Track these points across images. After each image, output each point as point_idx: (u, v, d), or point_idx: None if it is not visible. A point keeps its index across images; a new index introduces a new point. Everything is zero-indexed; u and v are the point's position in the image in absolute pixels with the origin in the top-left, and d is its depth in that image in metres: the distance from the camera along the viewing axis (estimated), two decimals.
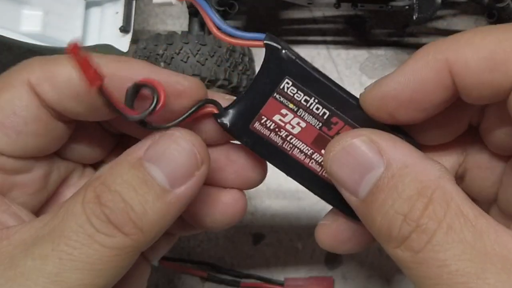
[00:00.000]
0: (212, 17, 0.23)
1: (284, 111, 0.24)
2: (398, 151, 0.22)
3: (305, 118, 0.24)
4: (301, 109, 0.24)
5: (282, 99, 0.24)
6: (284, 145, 0.24)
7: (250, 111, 0.24)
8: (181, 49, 0.42)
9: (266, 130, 0.24)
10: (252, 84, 0.24)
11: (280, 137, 0.24)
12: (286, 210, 0.47)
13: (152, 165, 0.21)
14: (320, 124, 0.24)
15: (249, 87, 0.24)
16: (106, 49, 0.44)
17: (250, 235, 0.47)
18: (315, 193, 0.26)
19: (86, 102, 0.23)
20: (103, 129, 0.27)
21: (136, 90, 0.22)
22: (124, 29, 0.45)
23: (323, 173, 0.25)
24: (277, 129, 0.24)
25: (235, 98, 0.25)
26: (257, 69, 0.48)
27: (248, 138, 0.24)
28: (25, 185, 0.24)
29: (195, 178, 0.22)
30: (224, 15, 0.46)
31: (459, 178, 0.27)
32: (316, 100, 0.24)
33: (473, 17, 0.51)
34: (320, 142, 0.24)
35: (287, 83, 0.23)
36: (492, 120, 0.24)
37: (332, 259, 0.46)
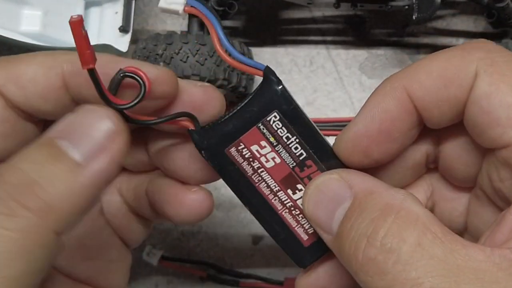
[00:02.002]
0: (220, 36, 0.23)
1: (263, 143, 0.24)
2: (365, 182, 0.22)
3: (281, 155, 0.24)
4: (280, 145, 0.24)
5: (265, 130, 0.24)
6: (253, 176, 0.24)
7: (230, 135, 0.24)
8: (180, 49, 0.42)
9: (240, 158, 0.24)
10: (238, 110, 0.24)
11: (251, 168, 0.24)
12: None
13: (64, 141, 0.19)
14: (294, 163, 0.24)
15: (235, 111, 0.24)
16: (106, 49, 0.44)
17: (249, 235, 0.47)
18: (268, 232, 0.25)
19: (54, 100, 0.22)
20: None
21: (121, 79, 0.22)
22: (123, 29, 0.45)
23: (283, 213, 0.25)
24: (251, 159, 0.24)
25: (207, 84, 0.25)
26: None
27: (218, 161, 0.24)
28: None
29: (111, 152, 0.20)
30: (224, 15, 0.46)
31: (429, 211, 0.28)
32: (297, 140, 0.24)
33: (473, 17, 0.51)
34: (289, 181, 0.24)
35: (275, 116, 0.23)
36: (449, 154, 0.25)
37: None
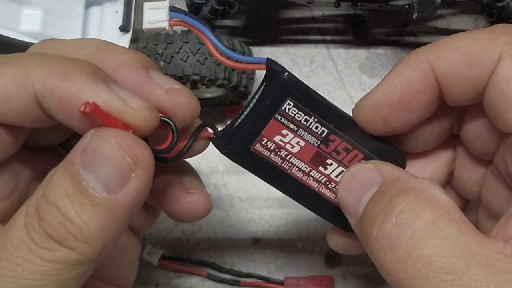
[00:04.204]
0: (213, 41, 0.23)
1: (284, 131, 0.24)
2: (395, 171, 0.23)
3: (305, 137, 0.25)
4: (301, 129, 0.24)
5: (283, 120, 0.24)
6: (283, 165, 0.25)
7: (251, 133, 0.24)
8: (180, 48, 0.42)
9: (267, 151, 0.25)
10: (253, 108, 0.24)
11: (280, 157, 0.25)
12: (286, 209, 0.47)
13: (87, 172, 0.20)
14: (319, 142, 0.25)
15: (248, 110, 0.24)
16: None
17: (249, 234, 0.47)
18: (312, 210, 0.26)
19: (29, 117, 0.21)
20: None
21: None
22: (123, 28, 0.45)
23: (320, 189, 0.26)
24: (277, 149, 0.25)
25: (176, 87, 0.24)
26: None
27: (248, 160, 0.25)
28: None
29: (133, 181, 0.20)
30: (224, 15, 0.46)
31: (449, 175, 0.28)
32: (316, 120, 0.24)
33: (473, 16, 0.51)
34: (318, 159, 0.25)
35: (289, 104, 0.24)
36: (470, 129, 0.25)
37: (332, 258, 0.46)
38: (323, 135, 0.25)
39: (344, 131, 0.25)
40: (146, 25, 0.23)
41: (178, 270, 0.46)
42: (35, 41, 0.42)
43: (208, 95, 0.48)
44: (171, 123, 0.22)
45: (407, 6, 0.43)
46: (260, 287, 0.45)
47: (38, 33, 0.44)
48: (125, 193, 0.20)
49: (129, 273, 0.29)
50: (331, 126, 0.24)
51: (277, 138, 0.24)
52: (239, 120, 0.24)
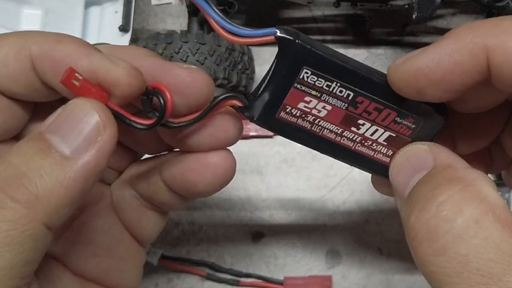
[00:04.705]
0: (215, 18, 0.22)
1: (307, 98, 0.24)
2: (449, 158, 0.22)
3: (330, 102, 0.24)
4: (324, 94, 0.24)
5: (303, 88, 0.23)
6: (313, 128, 0.25)
7: (273, 102, 0.24)
8: (180, 48, 0.42)
9: (293, 118, 0.24)
10: (270, 78, 0.23)
11: (308, 122, 0.24)
12: (286, 209, 0.47)
13: (53, 135, 0.20)
14: (346, 105, 0.24)
15: (267, 81, 0.23)
16: None
17: (249, 234, 0.47)
18: (351, 165, 0.26)
19: (24, 82, 0.22)
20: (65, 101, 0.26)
21: (149, 99, 0.22)
22: (123, 28, 0.45)
23: (356, 148, 0.25)
24: (303, 115, 0.24)
25: (194, 67, 0.24)
26: (257, 67, 0.48)
27: (276, 126, 0.24)
28: None
29: (99, 144, 0.20)
30: (224, 14, 0.46)
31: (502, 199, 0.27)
32: (338, 84, 0.23)
33: (473, 16, 0.51)
34: (348, 121, 0.24)
35: (306, 72, 0.23)
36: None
37: (332, 259, 0.46)
38: (350, 98, 0.24)
39: (371, 92, 0.24)
40: (154, 1, 0.23)
41: (177, 270, 0.46)
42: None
43: None
44: (159, 92, 0.22)
45: (407, 6, 0.43)
46: (260, 287, 0.45)
47: None
48: (90, 155, 0.20)
49: (132, 281, 0.29)
50: (356, 89, 0.24)
51: (301, 105, 0.24)
52: (260, 91, 0.24)
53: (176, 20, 0.53)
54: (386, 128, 0.25)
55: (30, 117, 0.24)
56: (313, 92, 0.24)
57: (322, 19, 0.52)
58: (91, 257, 0.27)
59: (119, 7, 0.46)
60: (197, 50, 0.42)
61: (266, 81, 0.23)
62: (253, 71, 0.47)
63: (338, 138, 0.25)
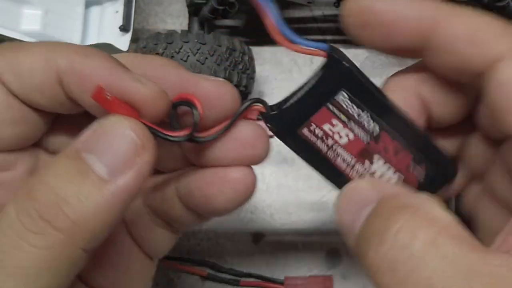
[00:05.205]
0: (275, 19, 0.22)
1: (335, 121, 0.24)
2: (394, 188, 0.23)
3: (355, 131, 0.24)
4: (352, 122, 0.24)
5: (335, 110, 0.23)
6: (328, 153, 0.24)
7: (300, 116, 0.24)
8: (181, 48, 0.42)
9: (314, 137, 0.24)
10: (307, 92, 0.23)
11: (326, 145, 0.24)
12: (286, 208, 0.47)
13: (90, 155, 0.19)
14: (369, 137, 0.24)
15: (301, 93, 0.23)
16: (106, 48, 0.44)
17: (250, 234, 0.47)
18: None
19: (49, 94, 0.22)
20: (88, 114, 0.25)
21: (175, 108, 0.22)
22: (124, 28, 0.45)
23: None
24: (324, 137, 0.24)
25: (221, 79, 0.24)
26: (258, 67, 0.48)
27: (293, 142, 0.24)
28: (9, 184, 0.23)
29: (137, 166, 0.20)
30: (224, 14, 0.46)
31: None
32: (369, 115, 0.24)
33: None
34: (365, 153, 0.24)
35: (343, 95, 0.23)
36: (482, 109, 0.24)
37: (332, 259, 0.46)
38: (375, 131, 0.24)
39: (398, 131, 0.24)
40: None
41: (178, 270, 0.46)
42: (36, 41, 0.42)
43: None
44: (191, 104, 0.22)
45: None
46: (260, 287, 0.45)
47: (38, 33, 0.44)
48: (128, 178, 0.19)
49: None
50: (384, 123, 0.24)
51: (326, 126, 0.24)
52: (290, 102, 0.23)
53: (176, 20, 0.53)
54: (398, 170, 0.25)
55: (50, 126, 0.24)
56: (342, 117, 0.24)
57: (322, 19, 0.52)
58: (98, 268, 0.26)
59: (120, 7, 0.46)
60: (198, 50, 0.42)
61: (300, 93, 0.23)
62: (253, 71, 0.47)
63: (348, 169, 0.25)
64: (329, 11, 0.51)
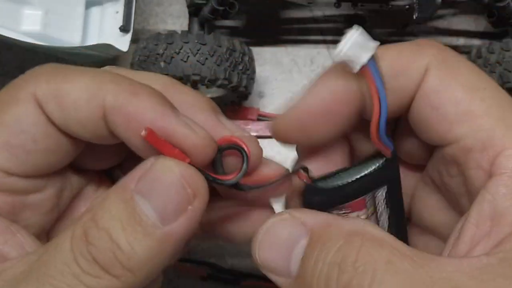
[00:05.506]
0: (382, 118, 0.21)
1: (363, 211, 0.24)
2: (319, 217, 0.21)
3: (371, 219, 0.24)
4: (374, 215, 0.24)
5: (369, 202, 0.24)
6: None
7: (339, 198, 0.23)
8: (181, 49, 0.42)
9: (335, 212, 0.24)
10: (356, 179, 0.23)
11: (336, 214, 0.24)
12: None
13: (142, 199, 0.20)
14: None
15: (350, 180, 0.23)
16: (106, 48, 0.44)
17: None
18: None
19: (92, 129, 0.21)
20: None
21: (221, 152, 0.22)
22: (124, 29, 0.45)
23: None
24: (341, 215, 0.24)
25: (250, 135, 0.24)
26: (258, 68, 0.48)
27: (315, 208, 0.24)
28: (37, 205, 0.23)
29: (188, 214, 0.20)
30: (224, 15, 0.46)
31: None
32: (388, 212, 0.24)
33: (473, 17, 0.51)
34: None
35: (384, 189, 0.24)
36: (400, 131, 0.24)
37: None
38: (384, 226, 0.25)
39: (396, 232, 0.25)
40: (341, 54, 0.22)
41: (178, 270, 0.46)
42: (36, 41, 0.42)
43: (208, 96, 0.48)
44: (242, 149, 0.22)
45: (407, 7, 0.43)
46: (260, 287, 0.45)
47: (38, 33, 0.44)
48: (179, 224, 0.20)
49: None
50: (391, 226, 0.25)
51: (353, 214, 0.24)
52: (335, 183, 0.23)
53: (176, 20, 0.53)
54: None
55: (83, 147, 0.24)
56: (370, 209, 0.24)
57: (323, 19, 0.52)
58: None
59: (120, 7, 0.46)
60: (198, 50, 0.42)
61: (347, 178, 0.23)
62: (253, 72, 0.47)
63: None
64: (330, 11, 0.51)
